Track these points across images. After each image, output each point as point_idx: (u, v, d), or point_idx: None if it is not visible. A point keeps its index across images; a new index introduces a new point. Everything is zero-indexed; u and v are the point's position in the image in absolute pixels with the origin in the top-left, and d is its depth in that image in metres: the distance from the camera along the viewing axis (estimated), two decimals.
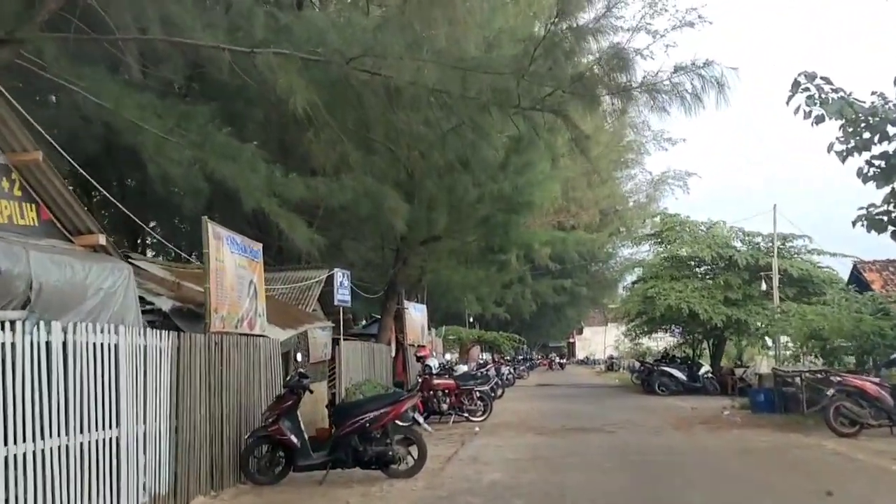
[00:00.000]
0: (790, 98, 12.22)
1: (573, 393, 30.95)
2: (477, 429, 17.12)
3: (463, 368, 25.42)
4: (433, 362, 19.27)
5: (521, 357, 61.36)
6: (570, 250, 22.78)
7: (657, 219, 29.84)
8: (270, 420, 10.36)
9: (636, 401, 25.54)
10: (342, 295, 15.85)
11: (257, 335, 11.90)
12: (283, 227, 11.59)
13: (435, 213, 18.56)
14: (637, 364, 37.76)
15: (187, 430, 9.15)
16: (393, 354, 21.39)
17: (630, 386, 34.81)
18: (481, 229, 19.85)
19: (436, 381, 18.85)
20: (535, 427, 17.12)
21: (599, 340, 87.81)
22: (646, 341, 61.51)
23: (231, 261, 10.97)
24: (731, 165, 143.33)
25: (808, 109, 11.94)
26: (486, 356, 50.75)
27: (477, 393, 18.92)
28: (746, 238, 29.28)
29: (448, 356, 35.24)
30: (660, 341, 54.54)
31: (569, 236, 22.58)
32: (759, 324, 26.60)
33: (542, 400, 26.62)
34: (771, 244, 28.90)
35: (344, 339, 18.96)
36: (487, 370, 25.88)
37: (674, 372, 27.91)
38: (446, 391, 18.87)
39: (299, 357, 11.21)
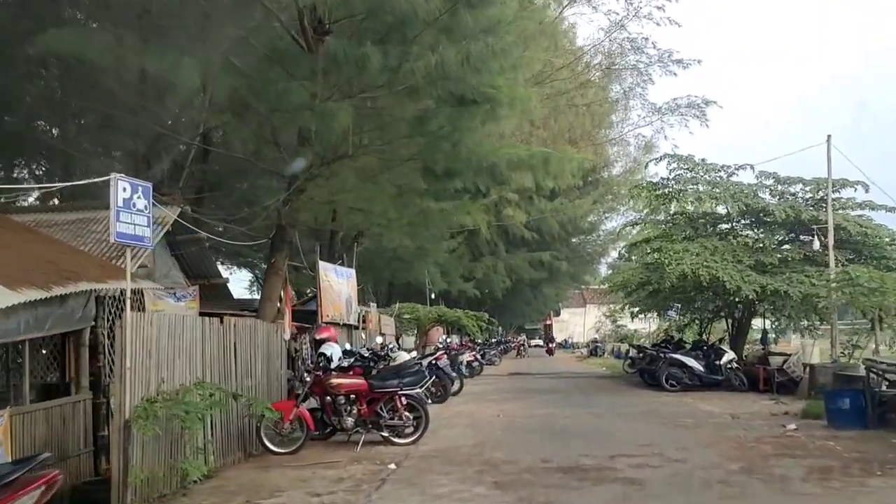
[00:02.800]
0: None
1: (553, 386, 23.53)
2: (392, 466, 9.59)
3: (403, 356, 17.87)
4: (331, 350, 11.66)
5: (494, 340, 54.14)
6: (555, 173, 14.90)
7: (663, 162, 22.32)
8: None
9: (641, 400, 18.12)
10: (127, 226, 8.09)
11: None
12: None
13: (339, 107, 10.90)
14: (631, 350, 30.43)
15: None
16: (287, 336, 13.73)
17: (622, 375, 27.46)
18: (416, 140, 12.23)
19: (334, 381, 11.28)
20: (496, 463, 9.59)
21: (577, 322, 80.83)
22: (631, 324, 54.63)
23: None
24: (759, 96, 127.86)
25: None
26: (454, 339, 43.35)
27: (404, 399, 11.40)
28: (779, 187, 21.85)
29: (394, 339, 27.70)
30: (651, 322, 47.57)
31: (552, 156, 14.79)
32: (800, 294, 19.13)
33: (513, 398, 19.16)
34: (812, 194, 21.61)
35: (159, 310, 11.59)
36: (435, 360, 18.38)
37: (687, 361, 20.50)
38: (352, 396, 11.36)
39: None
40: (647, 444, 10.80)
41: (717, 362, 20.48)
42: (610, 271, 53.20)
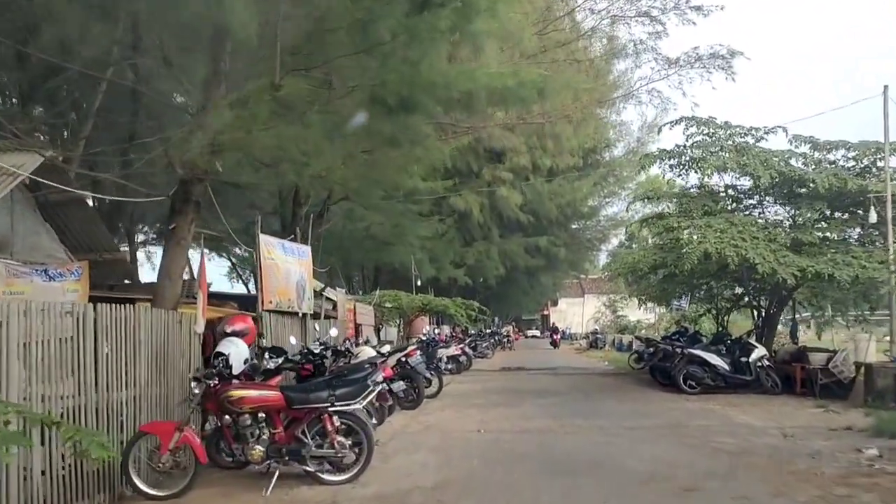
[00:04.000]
0: None
1: (550, 385, 20.00)
2: None
3: (368, 352, 14.34)
4: (231, 348, 8.07)
5: (489, 331, 50.68)
6: (549, 96, 11.02)
7: (680, 126, 18.69)
8: None
9: (658, 407, 14.61)
10: None
11: None
12: None
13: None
14: (637, 342, 26.97)
15: None
16: (200, 329, 10.11)
17: (628, 372, 23.99)
18: (359, 59, 8.65)
19: (234, 394, 7.72)
20: None
21: (576, 312, 77.46)
22: (633, 314, 51.15)
23: None
24: (771, 44, 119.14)
25: None
26: (444, 330, 39.84)
27: (336, 420, 7.89)
28: (815, 154, 18.22)
29: (373, 331, 24.23)
30: (653, 313, 44.27)
31: (549, 84, 10.86)
32: (848, 278, 15.53)
33: (501, 402, 15.64)
34: (856, 161, 18.02)
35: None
36: (405, 356, 14.89)
37: (710, 358, 16.99)
38: (261, 414, 7.85)
39: None
40: (688, 487, 7.28)
41: (745, 359, 16.97)
42: (610, 259, 49.79)
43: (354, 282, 40.36)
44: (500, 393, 17.67)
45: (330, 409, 7.78)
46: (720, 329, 20.01)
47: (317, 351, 13.01)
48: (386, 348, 16.54)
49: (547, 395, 17.14)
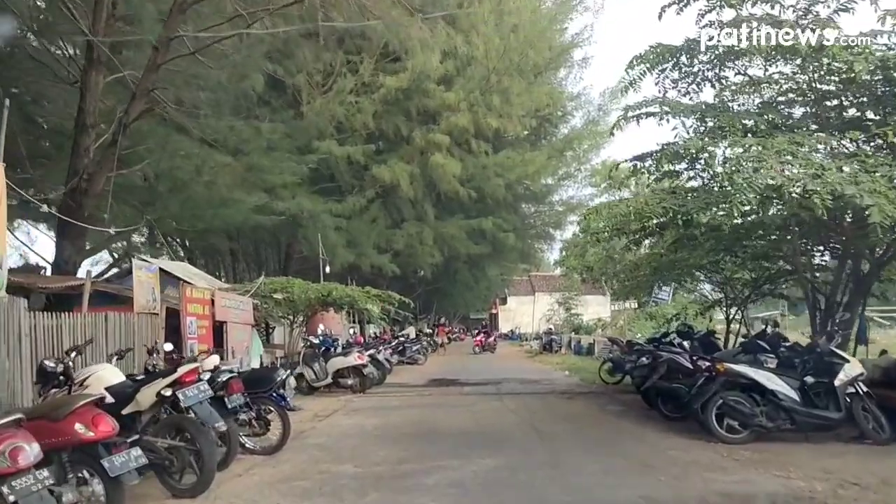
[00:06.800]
0: None
1: (490, 420, 12.20)
2: None
3: (107, 378, 6.48)
4: None
5: (430, 330, 42.80)
6: None
7: (696, 6, 11.07)
8: None
9: (703, 490, 6.94)
10: None
11: None
12: None
13: None
14: (610, 346, 19.33)
15: None
16: None
17: (601, 388, 16.37)
18: None
19: None
20: None
21: (526, 311, 70.02)
22: (586, 313, 43.71)
23: None
24: None
25: None
26: (371, 329, 31.76)
27: None
28: None
29: (249, 332, 16.07)
30: (606, 308, 36.96)
31: None
32: None
33: (388, 472, 7.76)
34: None
35: None
36: (172, 391, 6.78)
37: (764, 380, 9.36)
38: None
39: None
40: None
41: (819, 381, 9.42)
42: (564, 254, 42.44)
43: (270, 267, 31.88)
44: (402, 440, 9.76)
45: None
46: (771, 328, 12.07)
47: None
48: (233, 365, 9.24)
49: (479, 446, 9.26)
